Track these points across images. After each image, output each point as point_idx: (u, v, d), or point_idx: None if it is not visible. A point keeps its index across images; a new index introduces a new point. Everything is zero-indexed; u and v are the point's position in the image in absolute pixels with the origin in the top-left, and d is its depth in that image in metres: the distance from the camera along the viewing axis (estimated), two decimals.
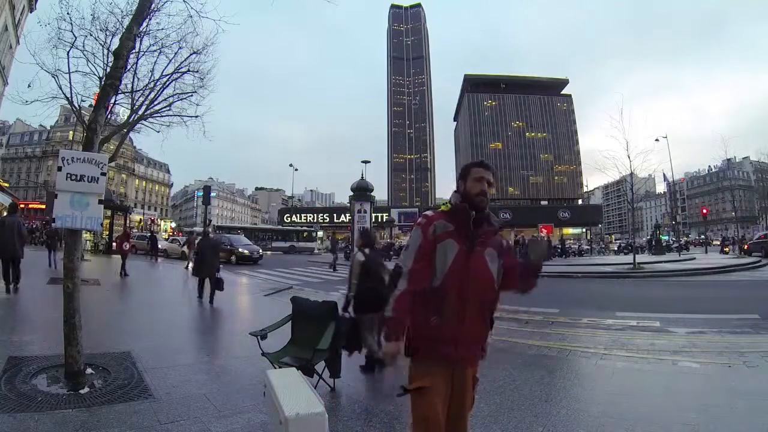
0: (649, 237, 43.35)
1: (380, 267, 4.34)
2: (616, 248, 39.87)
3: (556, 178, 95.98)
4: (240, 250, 21.13)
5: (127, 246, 12.82)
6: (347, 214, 41.43)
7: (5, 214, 12.19)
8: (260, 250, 23.34)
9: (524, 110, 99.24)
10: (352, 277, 4.43)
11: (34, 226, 32.23)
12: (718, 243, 37.43)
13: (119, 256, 13.06)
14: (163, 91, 12.14)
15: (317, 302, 4.06)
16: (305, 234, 44.70)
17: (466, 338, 1.79)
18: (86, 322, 3.84)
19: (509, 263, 1.93)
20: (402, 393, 1.82)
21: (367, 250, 4.47)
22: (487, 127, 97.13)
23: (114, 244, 18.77)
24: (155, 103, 12.19)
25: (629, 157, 16.37)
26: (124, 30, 5.18)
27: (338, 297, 9.43)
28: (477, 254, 1.82)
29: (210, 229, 17.32)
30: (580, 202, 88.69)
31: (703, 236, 40.22)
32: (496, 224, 1.91)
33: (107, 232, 22.44)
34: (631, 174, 17.45)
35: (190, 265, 12.86)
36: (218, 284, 8.02)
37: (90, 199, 3.88)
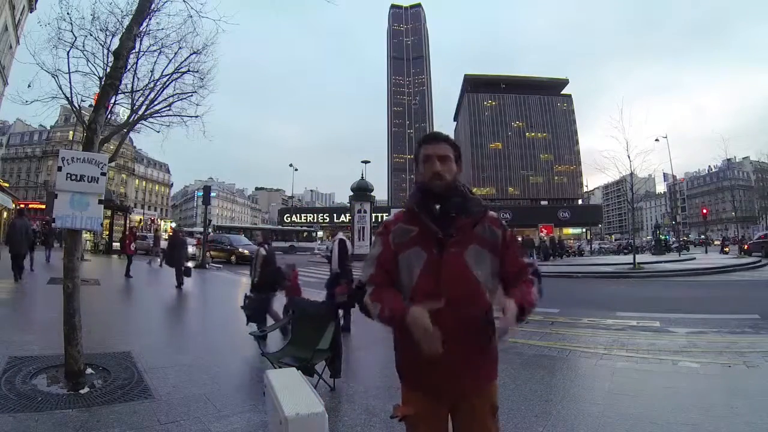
0: (649, 237, 43.43)
1: (275, 258, 5.90)
2: (607, 246, 39.66)
3: (556, 178, 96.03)
4: (240, 250, 20.88)
5: (134, 247, 12.75)
6: (347, 214, 41.35)
7: (15, 217, 13.82)
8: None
9: (524, 110, 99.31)
10: (257, 266, 5.71)
11: (34, 226, 32.22)
12: (719, 243, 37.43)
13: (125, 256, 12.87)
14: (163, 91, 12.16)
15: (317, 302, 4.07)
16: (305, 234, 44.65)
17: (456, 368, 1.35)
18: (86, 322, 3.85)
19: (510, 264, 1.44)
20: (393, 417, 1.46)
21: (266, 246, 5.87)
22: (487, 127, 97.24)
23: (118, 244, 18.70)
24: (155, 103, 12.21)
25: (629, 157, 16.41)
26: (124, 30, 5.18)
27: (338, 297, 9.43)
28: (453, 257, 1.37)
29: (181, 228, 20.08)
30: (580, 202, 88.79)
31: (703, 236, 40.20)
32: (476, 209, 1.43)
33: (107, 232, 22.41)
34: (631, 174, 17.45)
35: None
36: (187, 272, 9.98)
37: (90, 199, 3.88)
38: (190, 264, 9.89)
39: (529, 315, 1.34)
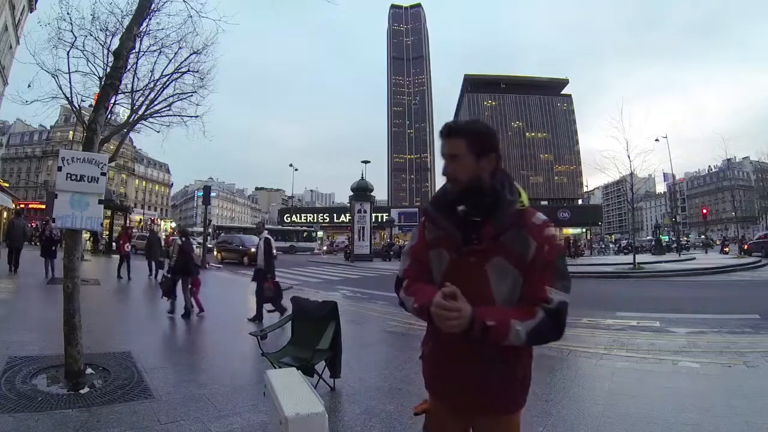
0: (649, 237, 43.37)
1: (190, 248, 7.37)
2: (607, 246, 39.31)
3: (556, 178, 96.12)
4: (253, 250, 19.55)
5: (128, 246, 12.69)
6: (347, 214, 41.35)
7: (13, 216, 16.00)
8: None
9: (524, 110, 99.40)
10: (173, 254, 7.19)
11: (35, 226, 32.24)
12: (718, 243, 37.44)
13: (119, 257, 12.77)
14: (163, 91, 12.15)
15: (317, 302, 4.06)
16: (305, 234, 44.61)
17: (469, 386, 1.25)
18: (86, 322, 3.85)
19: (529, 286, 1.17)
20: (416, 414, 1.46)
21: (183, 238, 7.30)
22: None
23: (115, 244, 18.62)
24: (155, 103, 12.21)
25: (629, 157, 16.39)
26: (124, 30, 5.19)
27: (339, 297, 9.45)
28: (472, 269, 1.20)
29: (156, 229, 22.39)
30: (580, 202, 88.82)
31: (703, 236, 40.23)
32: (505, 213, 1.19)
33: (107, 232, 22.40)
34: (631, 174, 17.46)
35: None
36: (161, 265, 10.69)
37: (90, 199, 3.88)
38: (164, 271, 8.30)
39: (492, 341, 1.11)
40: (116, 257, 17.52)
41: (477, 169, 1.22)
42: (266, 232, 7.07)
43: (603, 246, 41.88)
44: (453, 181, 1.24)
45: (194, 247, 8.17)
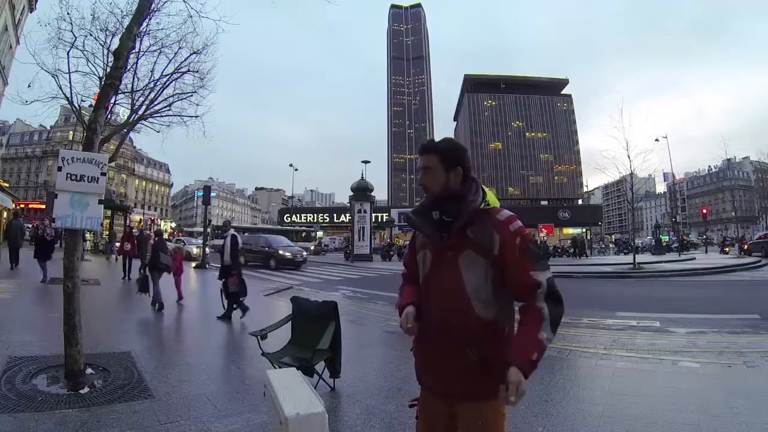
0: (649, 237, 43.33)
1: (164, 248, 8.06)
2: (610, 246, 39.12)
3: (556, 178, 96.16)
4: (281, 252, 18.08)
5: (128, 246, 12.68)
6: (347, 214, 41.34)
7: (12, 218, 16.88)
8: (303, 253, 19.74)
9: (524, 110, 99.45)
10: (147, 251, 8.76)
11: (35, 226, 32.24)
12: (716, 244, 37.47)
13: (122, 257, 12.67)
14: (163, 91, 12.13)
15: (317, 302, 4.06)
16: (304, 234, 44.59)
17: (445, 371, 1.40)
18: (86, 322, 3.85)
19: (513, 280, 1.35)
20: (410, 406, 1.61)
21: (156, 238, 8.43)
22: (487, 127, 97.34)
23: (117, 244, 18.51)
24: (155, 103, 12.18)
25: (629, 157, 16.37)
26: (124, 30, 5.19)
27: (339, 297, 9.45)
28: (448, 262, 1.39)
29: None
30: (580, 202, 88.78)
31: (703, 237, 40.22)
32: (465, 212, 1.37)
33: (107, 232, 22.39)
34: (631, 174, 17.45)
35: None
36: (143, 286, 10.63)
37: (90, 199, 3.88)
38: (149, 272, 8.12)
39: (538, 364, 1.26)
40: (115, 257, 17.56)
41: (446, 179, 1.43)
42: (232, 230, 7.43)
43: (603, 246, 41.86)
44: (426, 190, 1.46)
45: (168, 245, 8.74)
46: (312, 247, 39.86)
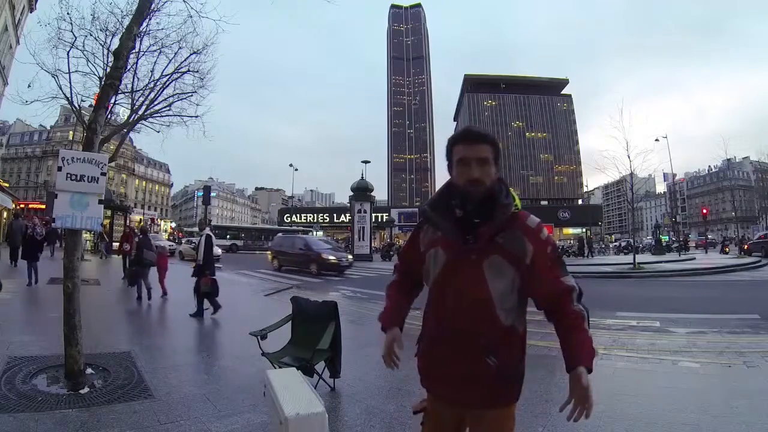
0: (649, 237, 43.31)
1: (149, 245, 8.69)
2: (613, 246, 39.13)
3: (556, 178, 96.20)
4: (324, 256, 15.98)
5: (128, 247, 12.61)
6: (347, 214, 41.36)
7: (12, 218, 17.22)
8: (349, 256, 18.05)
9: (524, 110, 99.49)
10: (133, 249, 9.10)
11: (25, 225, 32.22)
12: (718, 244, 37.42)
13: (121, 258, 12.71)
14: (163, 91, 12.12)
15: (317, 302, 4.06)
16: (301, 234, 44.65)
17: (459, 376, 1.32)
18: (86, 322, 3.84)
19: (543, 284, 1.30)
20: (415, 412, 1.54)
21: (141, 236, 8.98)
22: (487, 127, 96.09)
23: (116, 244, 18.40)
24: (155, 103, 12.17)
25: (629, 157, 16.37)
26: (124, 30, 5.19)
27: (339, 297, 9.45)
28: (470, 266, 1.28)
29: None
30: (580, 202, 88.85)
31: (703, 237, 40.24)
32: (500, 216, 1.27)
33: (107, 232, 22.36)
34: (631, 174, 17.45)
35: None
36: (132, 279, 10.66)
37: (90, 199, 3.88)
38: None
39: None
40: (115, 257, 17.54)
41: (494, 174, 1.32)
42: (207, 229, 7.54)
43: (603, 246, 41.88)
44: (480, 184, 1.28)
45: (152, 243, 9.20)
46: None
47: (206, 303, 7.00)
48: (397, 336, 1.42)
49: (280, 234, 23.94)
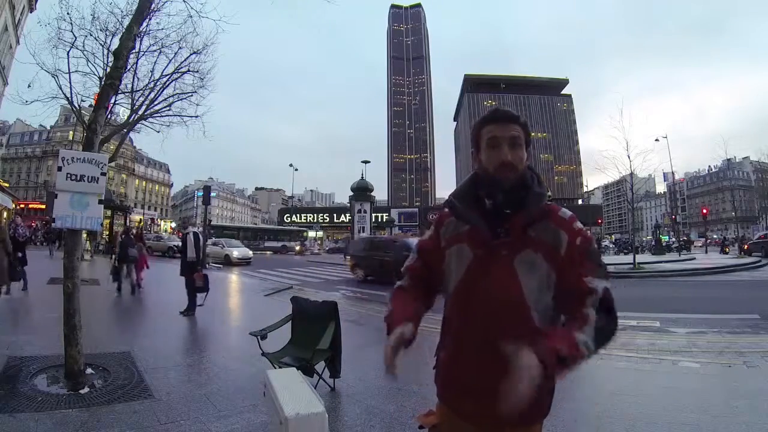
0: (649, 237, 43.25)
1: (131, 243, 9.43)
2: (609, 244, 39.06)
3: (556, 178, 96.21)
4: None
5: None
6: (347, 214, 41.34)
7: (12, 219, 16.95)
8: None
9: (524, 110, 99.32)
10: (116, 248, 9.87)
11: (34, 226, 32.25)
12: (702, 245, 37.41)
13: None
14: (163, 91, 12.09)
15: (317, 302, 4.06)
16: (297, 234, 44.66)
17: (484, 391, 1.12)
18: (86, 322, 3.85)
19: (568, 281, 1.11)
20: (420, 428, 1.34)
21: (123, 236, 9.88)
22: None
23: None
24: (155, 103, 12.15)
25: (629, 157, 16.37)
26: (124, 30, 5.18)
27: (339, 297, 9.44)
28: (500, 263, 1.14)
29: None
30: (580, 202, 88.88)
31: (702, 237, 40.26)
32: (534, 205, 1.16)
33: (107, 232, 22.37)
34: (631, 174, 17.45)
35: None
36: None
37: (90, 199, 3.88)
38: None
39: (570, 367, 1.05)
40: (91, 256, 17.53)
41: (525, 160, 1.22)
42: (191, 227, 8.09)
43: (603, 246, 41.88)
44: (512, 169, 1.17)
45: (133, 241, 9.98)
46: (297, 248, 37.43)
47: (200, 299, 7.07)
48: (407, 334, 1.17)
49: (361, 236, 19.15)
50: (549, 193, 1.25)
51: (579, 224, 1.18)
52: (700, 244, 40.36)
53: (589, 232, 1.21)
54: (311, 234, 48.25)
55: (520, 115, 1.25)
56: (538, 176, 1.25)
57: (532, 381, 0.96)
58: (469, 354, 1.18)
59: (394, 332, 1.18)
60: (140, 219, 55.65)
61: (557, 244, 1.13)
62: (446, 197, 1.34)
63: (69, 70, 10.36)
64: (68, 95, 10.76)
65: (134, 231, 16.02)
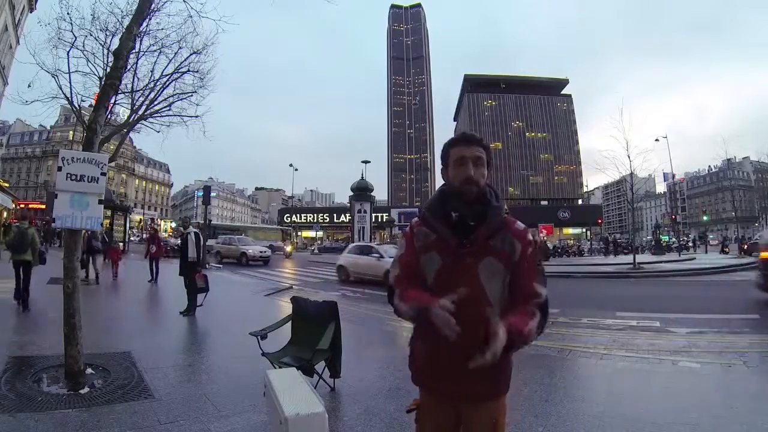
0: (649, 237, 43.22)
1: (96, 237, 10.54)
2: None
3: (556, 178, 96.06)
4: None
5: (154, 249, 12.07)
6: (347, 214, 41.35)
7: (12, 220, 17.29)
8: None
9: (524, 110, 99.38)
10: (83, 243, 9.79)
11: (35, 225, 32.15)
12: (717, 243, 37.35)
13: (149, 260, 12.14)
14: (163, 91, 12.07)
15: (317, 302, 4.06)
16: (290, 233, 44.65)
17: (455, 374, 1.34)
18: (86, 322, 3.84)
19: (519, 285, 1.36)
20: (408, 411, 1.56)
21: (90, 231, 9.07)
22: (487, 127, 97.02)
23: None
24: (155, 103, 12.13)
25: (629, 157, 16.40)
26: (124, 30, 5.17)
27: (339, 297, 9.44)
28: (465, 269, 1.34)
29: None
30: (580, 202, 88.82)
31: (701, 237, 40.22)
32: (495, 219, 1.35)
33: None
34: (631, 174, 17.46)
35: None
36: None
37: (90, 199, 3.88)
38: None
39: (518, 346, 1.26)
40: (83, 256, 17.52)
41: (486, 176, 1.40)
42: (192, 227, 7.96)
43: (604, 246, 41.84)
44: (474, 185, 1.36)
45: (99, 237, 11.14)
46: (288, 248, 31.35)
47: (199, 299, 7.04)
48: (449, 305, 1.21)
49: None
50: (506, 208, 1.46)
51: (530, 235, 1.40)
52: (716, 243, 39.72)
53: (538, 239, 1.32)
54: (311, 234, 48.27)
55: (482, 138, 1.44)
56: (496, 192, 1.44)
57: (501, 343, 1.16)
58: (440, 344, 1.31)
59: (437, 303, 1.23)
60: (140, 219, 55.69)
61: (513, 251, 1.35)
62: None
63: (69, 70, 10.34)
64: (68, 95, 10.74)
65: (151, 231, 15.80)
